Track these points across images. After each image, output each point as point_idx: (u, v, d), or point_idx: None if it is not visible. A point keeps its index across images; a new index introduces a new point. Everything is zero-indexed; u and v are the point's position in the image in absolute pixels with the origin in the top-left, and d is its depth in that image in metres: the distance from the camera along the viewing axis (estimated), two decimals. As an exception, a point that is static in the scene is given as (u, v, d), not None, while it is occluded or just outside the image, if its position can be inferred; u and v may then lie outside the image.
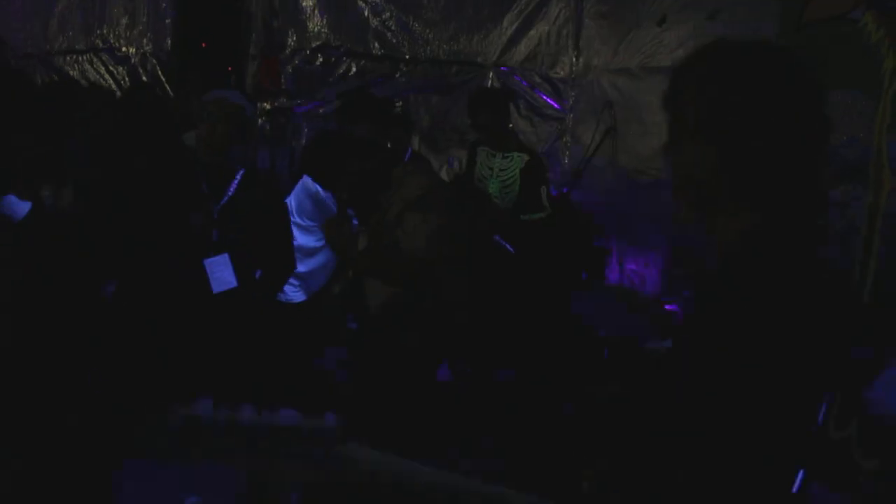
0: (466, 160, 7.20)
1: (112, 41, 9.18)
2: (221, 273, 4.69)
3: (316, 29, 9.04)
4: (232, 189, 4.72)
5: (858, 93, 6.12)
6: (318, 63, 9.10)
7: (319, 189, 5.69)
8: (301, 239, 5.86)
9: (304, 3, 9.00)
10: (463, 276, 4.70)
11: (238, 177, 4.76)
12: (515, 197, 6.68)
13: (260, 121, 8.98)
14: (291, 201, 5.98)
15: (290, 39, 9.06)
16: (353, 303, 5.83)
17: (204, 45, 8.38)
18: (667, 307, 6.96)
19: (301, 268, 5.76)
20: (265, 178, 6.16)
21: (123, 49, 9.16)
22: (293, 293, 6.01)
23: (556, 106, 8.87)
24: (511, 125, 7.13)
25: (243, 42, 8.83)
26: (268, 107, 9.04)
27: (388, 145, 6.49)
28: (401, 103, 9.05)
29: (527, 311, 6.44)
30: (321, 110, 9.00)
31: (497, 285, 6.43)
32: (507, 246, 6.52)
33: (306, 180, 5.89)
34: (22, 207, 4.26)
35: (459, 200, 5.46)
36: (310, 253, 5.97)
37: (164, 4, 8.98)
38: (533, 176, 6.68)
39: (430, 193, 4.55)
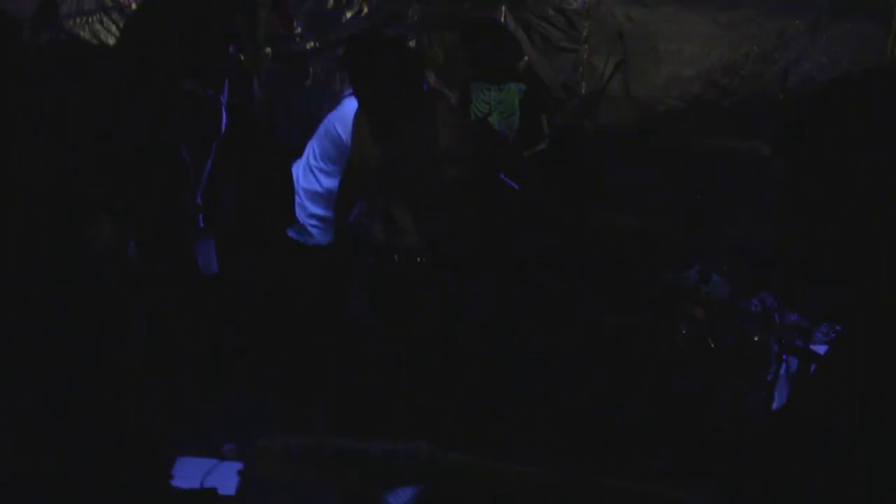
0: (460, 97, 7.19)
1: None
2: (206, 257, 4.79)
3: (325, -30, 9.01)
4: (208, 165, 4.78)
5: (872, 23, 6.23)
6: (329, 5, 9.08)
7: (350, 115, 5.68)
8: (326, 181, 5.92)
9: (311, -58, 8.96)
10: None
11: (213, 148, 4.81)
12: (516, 129, 6.68)
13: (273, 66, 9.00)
14: (314, 145, 6.03)
15: (299, -18, 9.04)
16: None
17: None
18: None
19: (326, 211, 5.83)
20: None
21: (132, 6, 9.13)
22: (320, 235, 6.07)
23: (569, 38, 8.83)
24: (524, 57, 7.09)
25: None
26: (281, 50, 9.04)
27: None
28: (414, 40, 9.06)
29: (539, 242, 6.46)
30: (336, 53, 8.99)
31: (505, 222, 6.47)
32: (512, 183, 6.50)
33: (334, 116, 5.93)
34: None
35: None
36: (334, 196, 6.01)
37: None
38: (532, 105, 6.66)
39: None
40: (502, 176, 6.45)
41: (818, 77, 6.57)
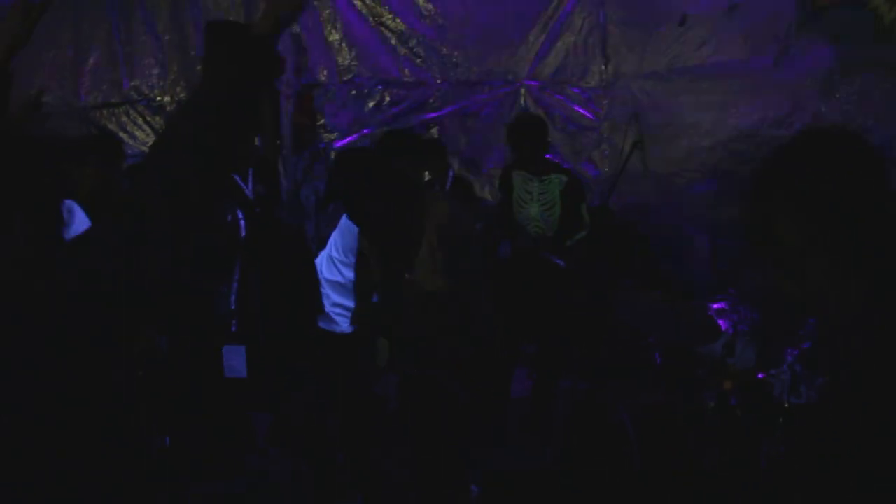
0: (501, 184, 7.24)
1: (146, 92, 9.36)
2: (235, 362, 4.81)
3: (346, 62, 9.15)
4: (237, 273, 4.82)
5: (883, 76, 6.16)
6: (351, 95, 9.21)
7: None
8: (348, 273, 5.93)
9: (331, 39, 9.11)
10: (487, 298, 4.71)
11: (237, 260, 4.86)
12: (557, 219, 6.73)
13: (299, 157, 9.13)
14: (335, 237, 6.05)
15: (321, 75, 9.18)
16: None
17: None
18: (713, 307, 6.99)
19: (351, 300, 5.84)
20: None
21: (158, 98, 9.32)
22: (345, 324, 6.08)
23: (590, 116, 8.85)
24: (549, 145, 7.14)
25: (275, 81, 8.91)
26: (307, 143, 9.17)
27: (428, 175, 6.57)
28: (436, 128, 9.14)
29: (578, 321, 6.49)
30: (360, 143, 9.09)
31: (550, 298, 6.51)
32: (558, 261, 6.56)
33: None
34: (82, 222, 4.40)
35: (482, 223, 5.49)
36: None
37: (192, 52, 9.15)
38: (572, 196, 6.73)
39: (450, 222, 4.53)
40: (545, 254, 6.54)
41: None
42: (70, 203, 4.65)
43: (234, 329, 4.90)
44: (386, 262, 4.69)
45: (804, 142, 1.96)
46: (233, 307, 4.86)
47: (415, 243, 4.47)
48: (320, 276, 5.98)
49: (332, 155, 9.07)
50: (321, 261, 6.11)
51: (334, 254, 6.02)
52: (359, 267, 5.20)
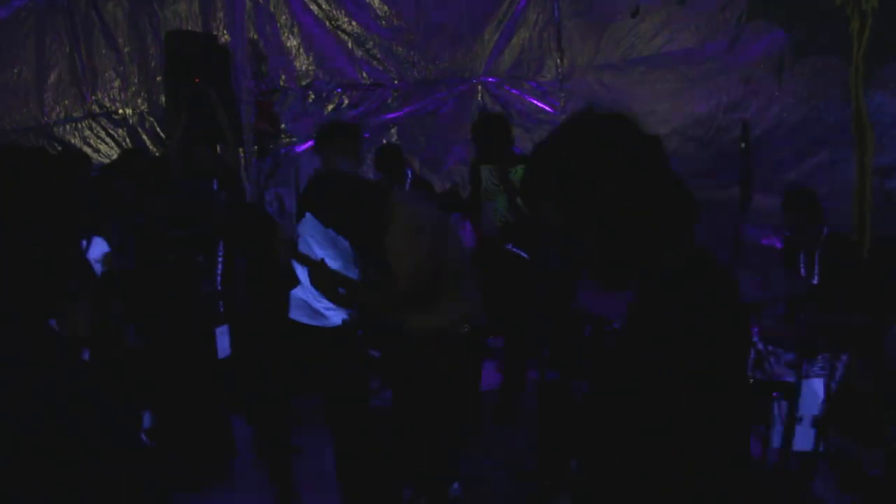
0: (470, 178, 7.33)
1: (108, 105, 9.33)
2: (221, 341, 4.89)
3: (304, 67, 9.21)
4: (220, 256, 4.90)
5: (834, 57, 6.27)
6: (311, 100, 9.27)
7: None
8: (334, 265, 5.98)
9: (288, 44, 9.16)
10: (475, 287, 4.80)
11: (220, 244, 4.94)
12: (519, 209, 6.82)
13: (261, 162, 9.17)
14: (308, 234, 6.10)
15: (280, 81, 9.23)
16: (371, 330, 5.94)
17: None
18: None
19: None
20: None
21: (120, 111, 9.30)
22: (335, 317, 6.11)
23: (548, 109, 8.97)
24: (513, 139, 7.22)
25: (234, 89, 8.95)
26: (270, 148, 9.20)
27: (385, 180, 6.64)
28: (396, 128, 9.22)
29: (544, 311, 6.55)
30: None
31: (516, 289, 6.58)
32: (521, 252, 6.63)
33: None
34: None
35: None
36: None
37: (153, 63, 9.16)
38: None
39: (416, 220, 4.61)
40: (510, 246, 6.61)
41: (788, 119, 6.64)
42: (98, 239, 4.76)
43: (220, 309, 4.96)
44: (369, 260, 4.81)
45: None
46: (219, 287, 4.92)
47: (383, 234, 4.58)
48: (302, 277, 6.02)
49: (294, 159, 9.13)
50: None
51: (317, 250, 6.06)
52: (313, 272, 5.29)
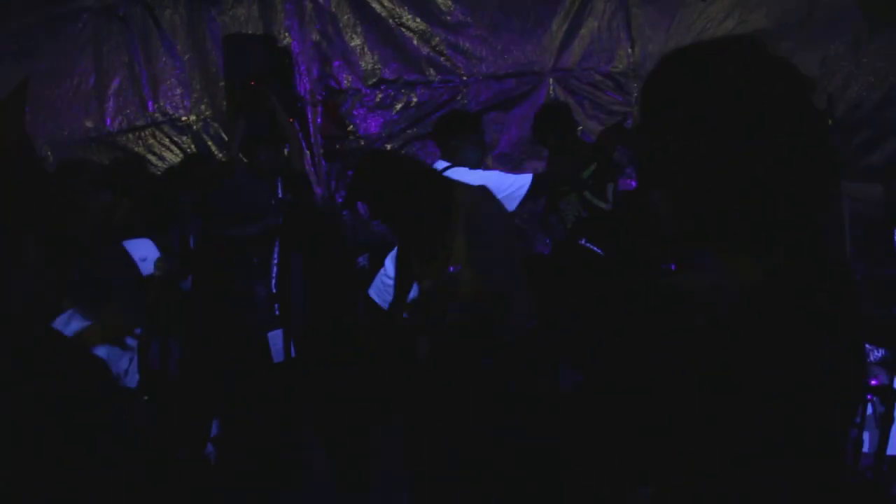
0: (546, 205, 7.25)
1: (170, 112, 9.32)
2: (276, 344, 4.80)
3: (369, 67, 9.06)
4: (276, 257, 4.79)
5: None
6: (377, 100, 9.13)
7: None
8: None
9: (352, 44, 9.02)
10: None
11: (276, 245, 4.83)
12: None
13: (330, 164, 9.09)
14: (389, 262, 5.95)
15: (346, 82, 9.10)
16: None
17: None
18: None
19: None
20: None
21: (183, 118, 9.27)
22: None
23: (620, 100, 8.74)
24: (579, 129, 7.06)
25: (297, 91, 8.89)
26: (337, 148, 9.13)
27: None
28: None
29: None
30: (388, 146, 9.02)
31: (592, 288, 6.38)
32: (595, 249, 6.44)
33: None
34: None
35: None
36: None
37: (214, 69, 9.09)
38: (600, 177, 6.68)
39: (475, 209, 4.38)
40: (583, 241, 6.44)
41: (868, 97, 6.49)
42: (144, 241, 4.67)
43: (276, 313, 4.86)
44: (419, 256, 4.59)
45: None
46: (274, 291, 4.82)
47: (443, 233, 4.36)
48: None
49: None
50: (373, 287, 6.03)
51: (385, 280, 5.93)
52: (398, 264, 5.09)
